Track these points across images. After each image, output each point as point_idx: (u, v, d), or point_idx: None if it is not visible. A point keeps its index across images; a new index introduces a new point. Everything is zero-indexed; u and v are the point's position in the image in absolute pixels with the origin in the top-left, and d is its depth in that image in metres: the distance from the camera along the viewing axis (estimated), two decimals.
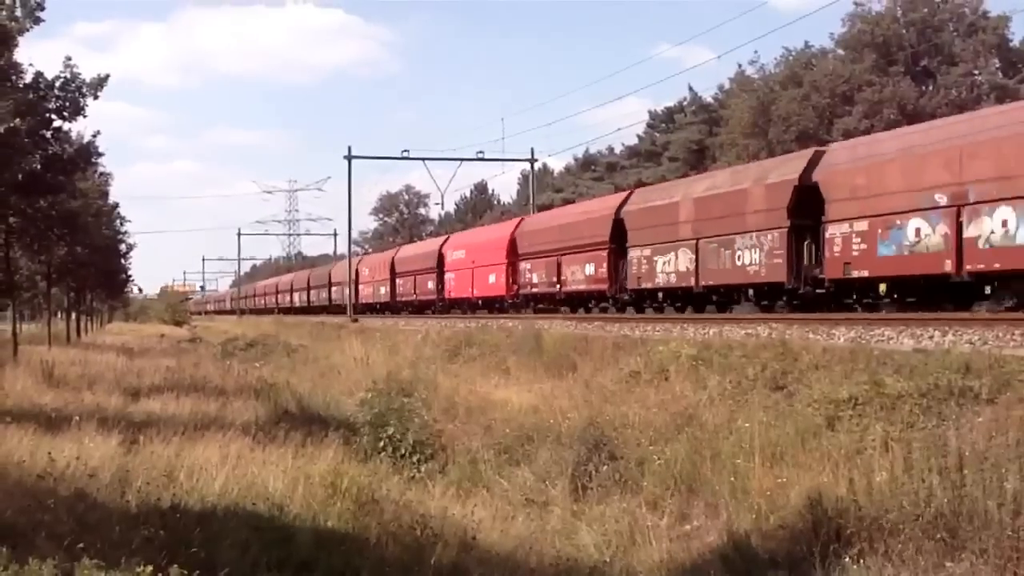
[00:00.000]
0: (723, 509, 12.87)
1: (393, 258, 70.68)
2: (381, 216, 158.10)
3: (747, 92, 70.56)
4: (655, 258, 34.54)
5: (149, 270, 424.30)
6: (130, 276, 74.91)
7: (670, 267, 33.68)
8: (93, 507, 10.60)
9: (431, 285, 60.14)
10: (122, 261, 64.16)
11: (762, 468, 13.07)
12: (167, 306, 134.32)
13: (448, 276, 57.89)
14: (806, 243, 28.27)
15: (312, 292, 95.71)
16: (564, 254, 42.44)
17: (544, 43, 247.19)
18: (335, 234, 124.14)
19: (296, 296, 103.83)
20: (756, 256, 29.45)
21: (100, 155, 28.29)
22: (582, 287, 40.98)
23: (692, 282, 32.58)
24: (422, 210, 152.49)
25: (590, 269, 39.96)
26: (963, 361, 14.19)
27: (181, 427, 16.26)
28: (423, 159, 67.47)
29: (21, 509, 9.90)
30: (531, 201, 70.40)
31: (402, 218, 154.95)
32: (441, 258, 59.46)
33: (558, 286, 43.00)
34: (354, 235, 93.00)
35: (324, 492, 12.67)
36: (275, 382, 28.41)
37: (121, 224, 57.47)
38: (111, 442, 14.41)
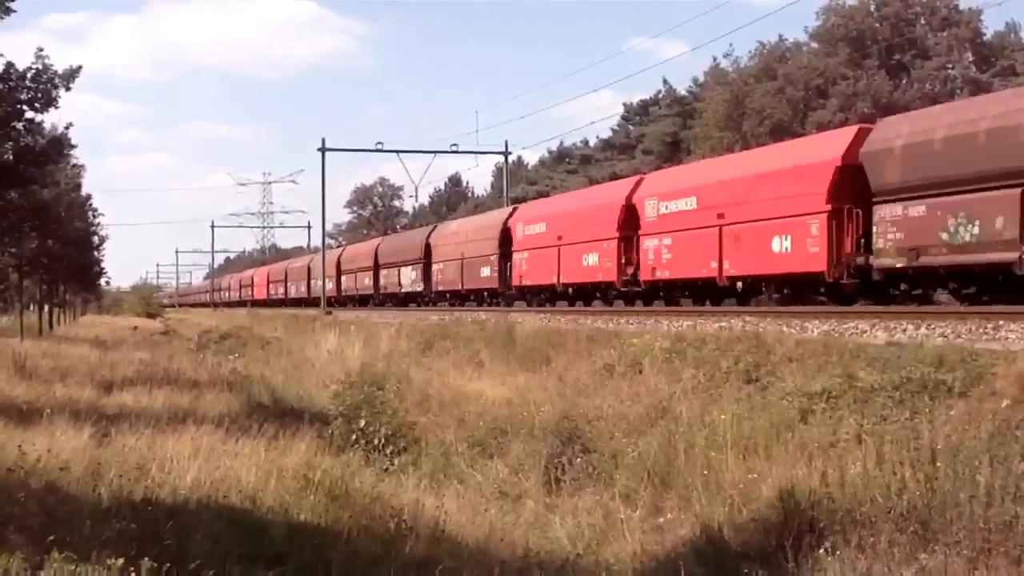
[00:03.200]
0: (696, 502, 12.88)
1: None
2: (355, 209, 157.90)
3: (721, 85, 70.65)
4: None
5: (123, 263, 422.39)
6: (103, 269, 74.70)
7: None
8: (64, 500, 10.56)
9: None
10: (95, 254, 63.98)
11: (735, 461, 13.09)
12: (140, 299, 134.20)
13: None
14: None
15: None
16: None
17: (518, 35, 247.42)
18: (309, 226, 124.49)
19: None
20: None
21: (73, 147, 28.28)
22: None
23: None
24: (396, 203, 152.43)
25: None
26: (936, 354, 14.22)
27: (154, 420, 16.19)
28: (397, 151, 67.35)
29: None
30: (505, 194, 70.23)
31: (376, 211, 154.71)
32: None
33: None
34: (328, 227, 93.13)
35: (297, 485, 12.64)
36: (249, 375, 28.35)
37: (94, 216, 57.34)
38: (83, 435, 14.35)
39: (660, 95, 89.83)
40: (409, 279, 60.64)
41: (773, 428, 13.64)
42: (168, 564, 7.85)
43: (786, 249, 27.32)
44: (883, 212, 24.02)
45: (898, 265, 23.71)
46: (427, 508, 13.15)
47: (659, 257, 33.16)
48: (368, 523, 11.90)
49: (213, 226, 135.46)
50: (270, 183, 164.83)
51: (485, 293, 49.30)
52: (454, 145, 65.41)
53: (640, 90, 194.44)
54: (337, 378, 23.40)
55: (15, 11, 20.40)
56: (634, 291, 35.54)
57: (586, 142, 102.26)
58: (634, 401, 17.01)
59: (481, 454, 17.25)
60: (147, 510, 10.27)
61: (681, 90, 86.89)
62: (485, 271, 48.82)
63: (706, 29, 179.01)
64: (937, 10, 66.91)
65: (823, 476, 11.35)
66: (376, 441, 18.25)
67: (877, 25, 65.85)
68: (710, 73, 75.60)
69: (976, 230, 21.64)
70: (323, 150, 64.97)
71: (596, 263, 37.57)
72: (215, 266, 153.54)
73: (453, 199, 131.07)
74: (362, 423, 18.55)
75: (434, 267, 56.43)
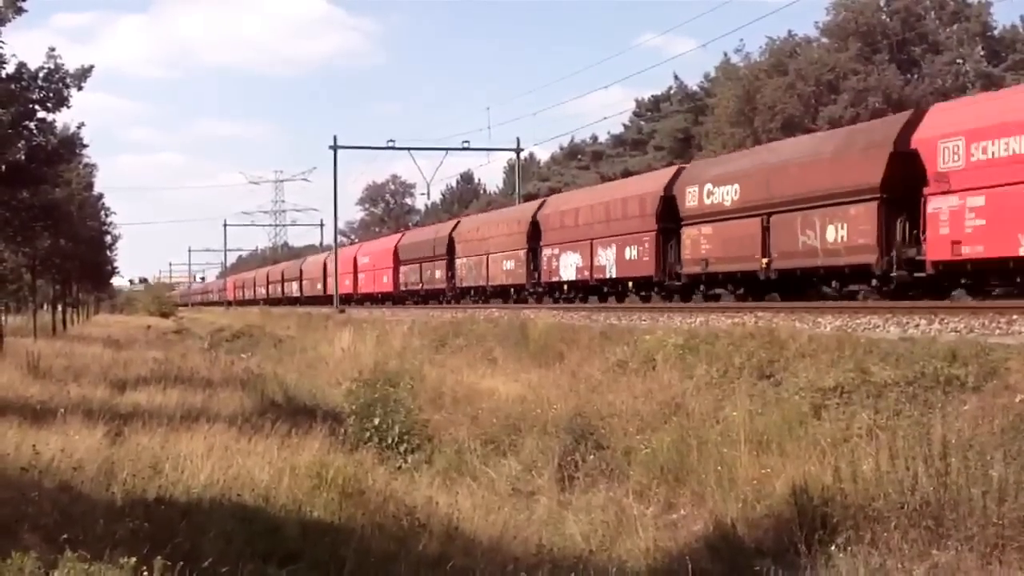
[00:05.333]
0: (709, 498, 12.86)
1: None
2: (367, 206, 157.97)
3: (732, 80, 70.51)
4: None
5: (135, 262, 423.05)
6: (116, 268, 74.83)
7: None
8: (77, 499, 10.57)
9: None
10: (107, 253, 64.09)
11: (748, 457, 13.06)
12: (153, 298, 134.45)
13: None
14: None
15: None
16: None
17: (529, 32, 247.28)
18: (322, 224, 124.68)
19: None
20: None
21: (84, 146, 28.24)
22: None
23: None
24: (408, 200, 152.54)
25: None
26: (949, 349, 14.17)
27: (167, 419, 16.20)
28: (409, 149, 67.43)
29: (4, 502, 9.85)
30: (517, 191, 70.23)
31: (388, 208, 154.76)
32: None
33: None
34: (340, 225, 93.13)
35: (310, 483, 12.63)
36: (262, 373, 28.36)
37: (106, 216, 57.45)
38: (96, 434, 14.35)
39: (671, 91, 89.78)
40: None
41: (786, 424, 13.63)
42: (181, 563, 7.87)
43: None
44: (403, 269, 62.29)
45: (412, 288, 60.15)
46: (440, 505, 13.14)
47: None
48: (381, 521, 11.90)
49: (225, 225, 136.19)
50: (282, 181, 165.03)
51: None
52: (466, 142, 65.63)
53: (651, 86, 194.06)
54: (350, 376, 23.36)
55: (26, 11, 20.38)
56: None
57: (596, 138, 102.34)
58: (647, 397, 16.98)
59: (494, 451, 17.20)
60: (160, 509, 10.28)
61: (692, 86, 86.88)
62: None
63: (715, 25, 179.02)
64: (946, 4, 66.71)
65: (836, 472, 11.31)
66: (389, 439, 18.23)
67: (887, 19, 65.72)
68: (720, 68, 75.51)
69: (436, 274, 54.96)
70: (335, 148, 65.14)
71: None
72: (227, 264, 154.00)
73: (465, 196, 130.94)
74: (376, 421, 18.53)
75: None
